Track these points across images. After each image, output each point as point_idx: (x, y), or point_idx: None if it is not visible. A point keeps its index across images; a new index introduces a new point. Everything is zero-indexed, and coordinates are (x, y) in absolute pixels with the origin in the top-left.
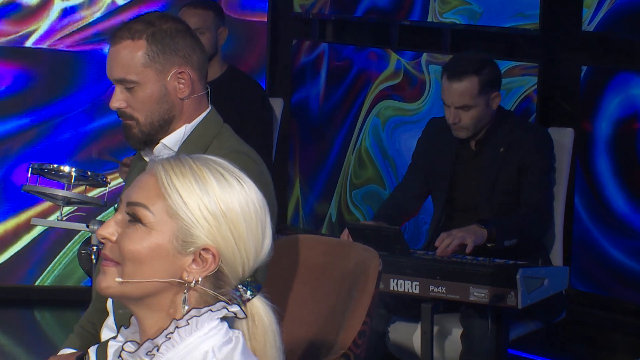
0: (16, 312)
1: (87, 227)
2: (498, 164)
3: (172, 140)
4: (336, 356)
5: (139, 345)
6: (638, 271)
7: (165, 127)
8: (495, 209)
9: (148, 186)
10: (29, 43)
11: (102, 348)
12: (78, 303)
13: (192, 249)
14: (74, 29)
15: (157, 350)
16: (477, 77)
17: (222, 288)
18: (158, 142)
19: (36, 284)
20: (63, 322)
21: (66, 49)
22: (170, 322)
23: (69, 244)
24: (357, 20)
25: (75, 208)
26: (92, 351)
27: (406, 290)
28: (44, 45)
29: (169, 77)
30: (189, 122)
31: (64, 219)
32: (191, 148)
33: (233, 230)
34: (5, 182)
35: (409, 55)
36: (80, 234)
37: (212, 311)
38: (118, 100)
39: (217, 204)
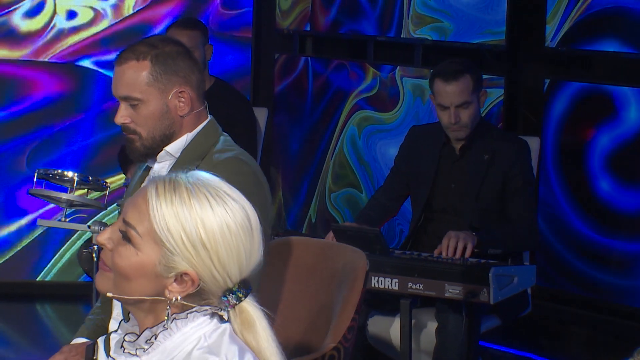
0: (19, 306)
1: (88, 227)
2: (483, 171)
3: (175, 147)
4: (328, 349)
5: (138, 335)
6: (583, 268)
7: (166, 141)
8: (477, 214)
9: (140, 208)
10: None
11: (107, 339)
12: (77, 297)
13: (173, 273)
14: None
15: (155, 338)
16: (470, 75)
17: (205, 299)
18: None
19: (37, 279)
20: (63, 315)
21: (63, 61)
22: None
23: (68, 242)
24: (335, 36)
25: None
26: (100, 341)
27: (386, 287)
28: (46, 59)
29: (170, 96)
30: (190, 131)
31: (67, 220)
32: (191, 155)
33: (213, 258)
34: (17, 188)
35: (384, 69)
36: (78, 232)
37: (205, 310)
38: (122, 116)
39: (199, 236)
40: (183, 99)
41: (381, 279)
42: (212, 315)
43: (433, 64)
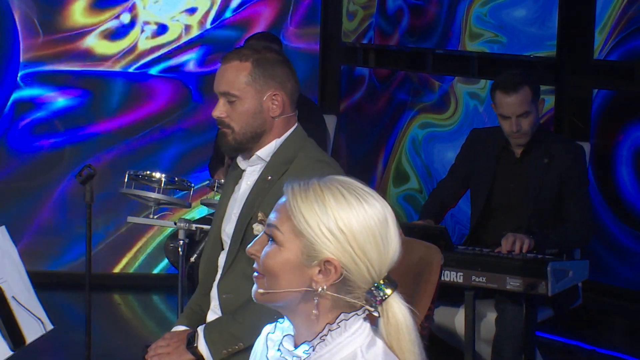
0: (103, 296)
1: (175, 224)
2: (542, 174)
3: (265, 152)
4: None
5: (295, 344)
6: (615, 264)
7: (256, 139)
8: (535, 213)
9: (280, 209)
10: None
11: (209, 329)
12: (158, 288)
13: (316, 262)
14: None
15: (313, 350)
16: (529, 86)
17: (352, 292)
18: (252, 153)
19: (120, 271)
20: (144, 304)
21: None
22: (324, 326)
23: (149, 237)
24: (396, 48)
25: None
26: (200, 330)
27: (452, 279)
28: (130, 70)
29: (265, 97)
30: (279, 136)
31: (154, 217)
32: (280, 158)
33: (352, 243)
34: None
35: (442, 79)
36: (158, 228)
37: (357, 315)
38: (220, 110)
39: (335, 222)
40: (276, 102)
41: (446, 272)
42: (365, 320)
43: (488, 74)
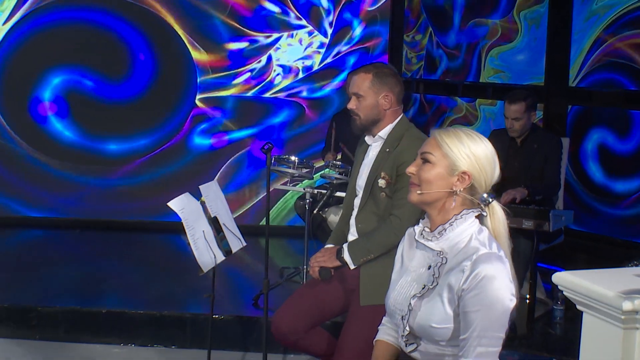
0: (251, 240)
1: (304, 189)
2: (533, 155)
3: (384, 132)
4: None
5: (430, 230)
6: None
7: (375, 123)
8: (529, 180)
9: (432, 144)
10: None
11: (351, 245)
12: (289, 235)
13: (456, 173)
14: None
15: (445, 231)
16: (524, 102)
17: (474, 195)
18: (374, 134)
19: (261, 223)
20: (280, 246)
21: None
22: (452, 217)
23: (281, 199)
24: (437, 80)
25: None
26: (344, 246)
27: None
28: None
29: (380, 97)
30: (392, 122)
31: (291, 185)
32: (394, 136)
33: (478, 162)
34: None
35: (469, 100)
36: (290, 192)
37: (473, 212)
38: (352, 104)
39: (469, 149)
40: (387, 100)
41: None
42: (477, 218)
43: (499, 97)
